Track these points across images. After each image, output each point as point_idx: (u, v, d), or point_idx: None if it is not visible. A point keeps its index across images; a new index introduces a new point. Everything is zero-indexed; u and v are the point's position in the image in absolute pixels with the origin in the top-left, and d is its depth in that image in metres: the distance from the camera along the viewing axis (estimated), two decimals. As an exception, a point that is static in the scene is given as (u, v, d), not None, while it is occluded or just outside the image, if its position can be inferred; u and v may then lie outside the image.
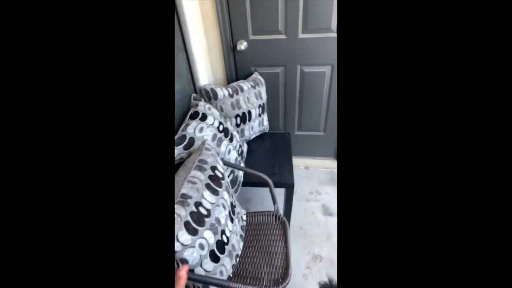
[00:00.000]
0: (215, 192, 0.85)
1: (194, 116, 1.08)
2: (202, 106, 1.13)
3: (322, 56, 1.46)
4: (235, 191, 1.18)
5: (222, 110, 1.32)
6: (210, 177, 0.87)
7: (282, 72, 1.55)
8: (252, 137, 1.53)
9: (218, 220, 0.82)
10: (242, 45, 1.44)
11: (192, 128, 1.03)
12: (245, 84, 1.40)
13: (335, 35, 1.38)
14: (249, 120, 1.43)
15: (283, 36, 1.42)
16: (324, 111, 1.67)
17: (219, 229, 0.81)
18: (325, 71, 1.51)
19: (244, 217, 1.08)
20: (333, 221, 1.51)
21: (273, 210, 1.11)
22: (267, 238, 1.01)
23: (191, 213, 0.73)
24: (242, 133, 1.43)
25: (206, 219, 0.77)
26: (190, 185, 0.80)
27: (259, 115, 1.49)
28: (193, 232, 0.72)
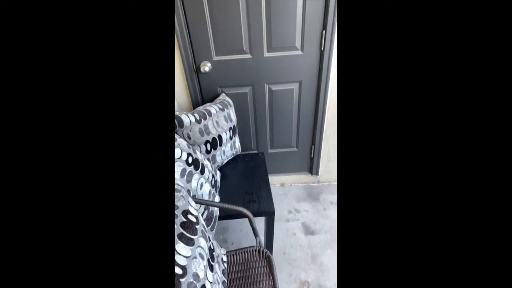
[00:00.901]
0: (189, 242, 0.74)
1: (158, 150, 0.96)
2: (167, 138, 1.01)
3: (289, 74, 1.44)
4: (212, 229, 1.07)
5: (189, 138, 1.21)
6: (182, 224, 0.76)
7: (250, 92, 1.50)
8: (225, 161, 1.44)
9: (196, 276, 0.71)
10: (206, 67, 1.36)
11: (157, 166, 0.91)
12: (212, 108, 1.31)
13: (300, 52, 1.38)
14: (220, 145, 1.34)
15: (248, 56, 1.38)
16: (295, 127, 1.65)
17: (199, 286, 0.70)
18: (293, 88, 1.50)
19: (225, 258, 0.98)
20: (315, 240, 1.47)
21: (255, 245, 1.02)
22: (252, 279, 0.92)
23: (163, 278, 0.62)
24: (213, 160, 1.33)
25: (182, 280, 0.66)
26: (160, 240, 0.68)
27: (230, 138, 1.40)
28: (167, 300, 0.60)
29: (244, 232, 1.53)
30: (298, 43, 1.35)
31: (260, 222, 1.51)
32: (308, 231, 1.53)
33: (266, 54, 1.38)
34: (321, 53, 1.37)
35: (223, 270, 0.91)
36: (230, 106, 1.42)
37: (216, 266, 0.85)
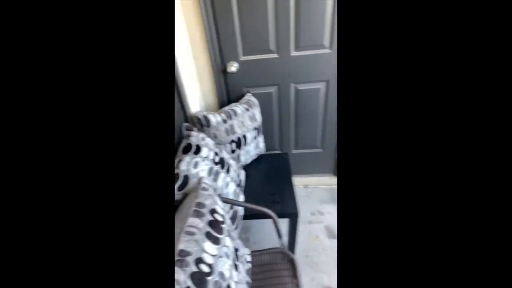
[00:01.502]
0: (216, 241, 0.76)
1: (187, 149, 0.99)
2: (195, 137, 1.04)
3: (316, 73, 1.41)
4: (236, 228, 1.09)
5: (215, 137, 1.23)
6: (209, 223, 0.78)
7: (276, 92, 1.49)
8: (249, 161, 1.44)
9: (222, 275, 0.72)
10: (233, 67, 1.37)
11: (185, 165, 0.94)
12: (238, 107, 1.32)
13: (328, 51, 1.34)
14: (245, 145, 1.35)
15: (275, 55, 1.36)
16: (320, 128, 1.61)
17: (224, 285, 0.71)
18: (319, 88, 1.46)
19: (248, 258, 0.98)
20: (339, 244, 1.43)
21: (279, 246, 1.02)
22: (275, 281, 0.92)
23: (192, 275, 0.64)
24: (238, 159, 1.34)
25: (209, 278, 0.67)
26: (188, 237, 0.70)
27: (255, 137, 1.41)
28: (195, 297, 0.62)
29: (266, 232, 1.53)
30: (326, 41, 1.31)
31: (282, 224, 1.50)
32: (332, 234, 1.49)
33: (293, 53, 1.36)
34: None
35: (247, 270, 0.92)
36: (255, 106, 1.42)
37: (240, 266, 0.86)
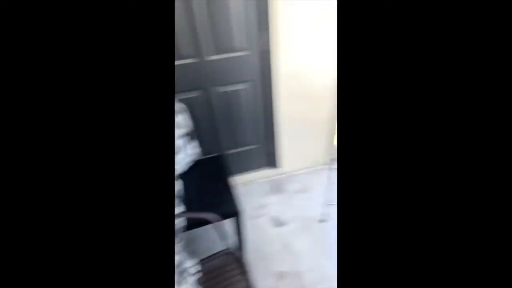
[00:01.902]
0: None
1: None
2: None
3: (235, 75, 1.46)
4: (179, 241, 1.04)
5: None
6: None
7: (202, 96, 1.48)
8: (184, 169, 1.39)
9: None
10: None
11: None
12: (162, 116, 1.26)
13: (242, 53, 1.40)
14: (175, 153, 1.29)
15: (192, 60, 1.35)
16: (252, 125, 1.67)
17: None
18: (243, 88, 1.52)
19: (195, 269, 0.95)
20: (285, 230, 1.52)
21: (225, 248, 1.02)
22: (226, 283, 0.92)
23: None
24: (171, 170, 1.28)
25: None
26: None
27: (185, 144, 1.36)
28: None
29: (214, 238, 1.51)
30: (241, 43, 1.36)
31: (229, 225, 1.50)
32: (278, 222, 1.57)
33: (210, 58, 1.37)
34: (265, 52, 1.40)
35: (194, 282, 0.89)
36: (182, 111, 1.37)
37: (186, 279, 0.83)
